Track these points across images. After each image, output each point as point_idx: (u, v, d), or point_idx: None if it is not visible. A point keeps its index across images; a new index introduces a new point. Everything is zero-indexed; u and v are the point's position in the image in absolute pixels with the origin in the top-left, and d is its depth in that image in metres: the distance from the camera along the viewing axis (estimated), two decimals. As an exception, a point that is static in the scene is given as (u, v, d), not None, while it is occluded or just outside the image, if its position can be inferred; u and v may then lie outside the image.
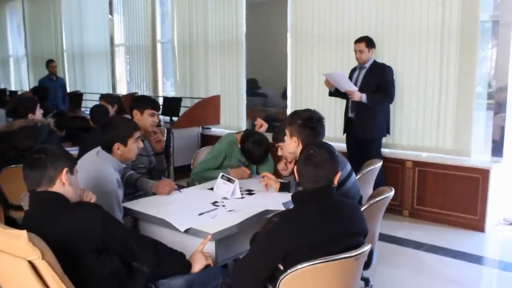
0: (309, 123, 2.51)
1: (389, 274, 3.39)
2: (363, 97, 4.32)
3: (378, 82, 4.39)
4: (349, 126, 4.64)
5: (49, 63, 8.21)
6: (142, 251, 1.91)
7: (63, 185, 1.84)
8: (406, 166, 4.68)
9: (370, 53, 4.46)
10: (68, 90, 9.64)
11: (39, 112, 3.85)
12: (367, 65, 4.50)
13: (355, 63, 4.85)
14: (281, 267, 1.79)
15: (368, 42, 4.45)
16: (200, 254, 2.08)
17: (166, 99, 7.15)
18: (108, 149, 2.52)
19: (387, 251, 3.76)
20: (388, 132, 4.66)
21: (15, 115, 3.76)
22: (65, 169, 1.85)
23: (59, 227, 1.75)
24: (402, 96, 4.78)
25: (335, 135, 5.22)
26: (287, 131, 2.58)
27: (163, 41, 7.87)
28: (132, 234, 1.97)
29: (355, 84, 4.50)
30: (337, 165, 1.93)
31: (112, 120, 2.68)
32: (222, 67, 6.65)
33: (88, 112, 5.38)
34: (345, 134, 4.74)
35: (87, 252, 1.77)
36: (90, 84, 9.34)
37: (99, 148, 2.57)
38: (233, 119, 6.59)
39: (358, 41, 4.49)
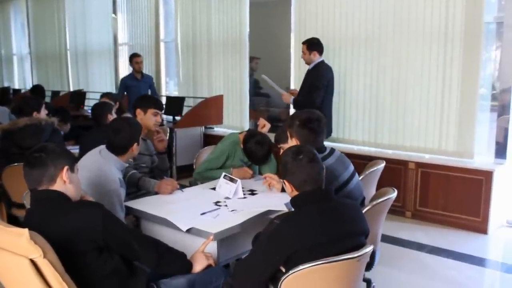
0: (308, 123, 2.50)
1: (391, 276, 3.38)
2: (290, 99, 4.51)
3: (309, 84, 4.54)
4: None
5: (133, 57, 6.47)
6: (143, 250, 1.91)
7: (64, 183, 1.84)
8: (409, 167, 4.66)
9: (311, 55, 4.63)
10: (71, 89, 9.67)
11: (43, 112, 3.87)
12: (311, 66, 4.65)
13: (358, 63, 4.84)
14: (283, 269, 1.78)
15: (309, 45, 4.65)
16: (202, 254, 2.08)
17: (169, 98, 7.16)
18: (125, 150, 2.54)
19: (390, 252, 3.75)
20: (329, 133, 4.76)
21: (20, 114, 3.77)
22: (66, 167, 1.84)
23: (60, 225, 1.75)
24: (405, 97, 4.77)
25: (337, 135, 5.22)
26: (288, 133, 2.58)
27: (166, 41, 7.88)
28: (133, 233, 1.97)
29: None
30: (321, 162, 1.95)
31: (120, 123, 2.63)
32: (225, 66, 6.65)
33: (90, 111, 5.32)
34: None
35: (88, 251, 1.77)
36: (93, 83, 9.36)
37: (102, 147, 2.57)
38: (236, 119, 6.60)
39: (302, 42, 4.70)
